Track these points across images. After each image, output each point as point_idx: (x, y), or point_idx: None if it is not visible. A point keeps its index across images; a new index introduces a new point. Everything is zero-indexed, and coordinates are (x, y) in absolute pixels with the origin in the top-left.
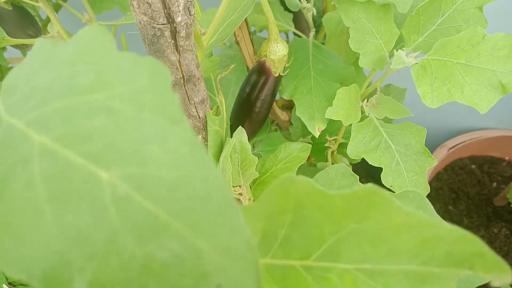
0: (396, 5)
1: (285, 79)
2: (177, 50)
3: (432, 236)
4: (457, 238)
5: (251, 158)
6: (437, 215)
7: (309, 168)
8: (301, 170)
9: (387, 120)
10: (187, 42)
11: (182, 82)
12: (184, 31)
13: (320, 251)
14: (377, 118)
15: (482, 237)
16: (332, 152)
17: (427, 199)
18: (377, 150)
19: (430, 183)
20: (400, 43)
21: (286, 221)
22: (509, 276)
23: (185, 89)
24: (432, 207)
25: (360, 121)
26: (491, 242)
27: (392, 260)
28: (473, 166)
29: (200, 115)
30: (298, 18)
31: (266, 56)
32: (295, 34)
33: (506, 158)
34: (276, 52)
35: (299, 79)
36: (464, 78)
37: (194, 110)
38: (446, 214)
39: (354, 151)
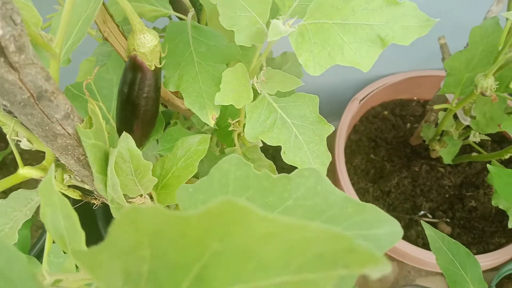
0: None
1: (168, 70)
2: (12, 68)
3: (300, 239)
4: (325, 238)
5: (144, 164)
6: (335, 188)
7: (220, 156)
8: (211, 160)
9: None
10: (22, 56)
11: (33, 101)
12: (13, 45)
13: (188, 280)
14: (270, 94)
15: (406, 177)
16: (239, 134)
17: (323, 174)
18: (274, 128)
19: (349, 137)
20: (278, 13)
21: (147, 255)
22: (387, 267)
23: (40, 108)
24: (329, 181)
25: (253, 101)
26: (415, 180)
27: (262, 275)
28: (386, 112)
29: (70, 132)
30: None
31: (136, 50)
32: (178, 17)
33: (415, 98)
34: (145, 44)
35: (182, 67)
36: (343, 38)
37: (59, 128)
38: (369, 163)
39: (252, 133)
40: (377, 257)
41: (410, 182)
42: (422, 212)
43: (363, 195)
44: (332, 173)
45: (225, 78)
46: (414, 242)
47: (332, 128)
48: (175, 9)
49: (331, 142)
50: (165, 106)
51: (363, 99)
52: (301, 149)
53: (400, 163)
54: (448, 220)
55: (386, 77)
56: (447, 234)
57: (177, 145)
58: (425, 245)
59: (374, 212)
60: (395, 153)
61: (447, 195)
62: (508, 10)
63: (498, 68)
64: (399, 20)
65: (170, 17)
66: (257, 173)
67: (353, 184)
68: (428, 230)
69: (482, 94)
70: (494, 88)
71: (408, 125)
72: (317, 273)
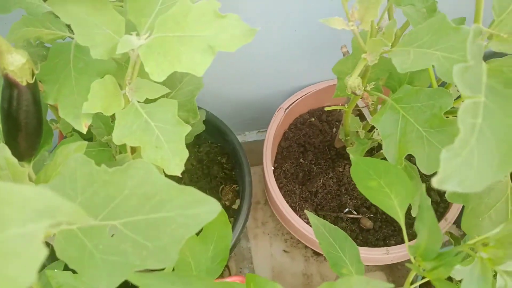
0: None
1: (47, 85)
2: None
3: (22, 199)
4: (38, 198)
5: (20, 171)
6: (161, 176)
7: (116, 162)
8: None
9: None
10: None
11: None
12: None
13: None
14: (139, 101)
15: (331, 178)
16: None
17: (152, 165)
18: (138, 131)
19: (279, 144)
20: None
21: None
22: (87, 219)
23: None
24: (156, 170)
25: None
26: (340, 180)
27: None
28: (313, 119)
29: None
30: None
31: (6, 69)
32: None
33: (340, 104)
34: (13, 63)
35: (60, 82)
36: (180, 49)
37: None
38: (298, 167)
39: (119, 136)
40: (78, 212)
41: (335, 182)
42: (347, 209)
43: (290, 196)
44: (263, 178)
45: (93, 89)
46: None
47: (189, 128)
48: (71, 32)
49: (262, 149)
50: None
51: (288, 107)
52: (162, 148)
53: (326, 165)
54: (371, 215)
55: (310, 86)
56: (370, 228)
57: (57, 153)
58: None
59: (194, 194)
60: (322, 156)
61: None
62: (390, 18)
63: (363, 71)
64: (225, 30)
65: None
66: (98, 169)
67: (281, 187)
68: (312, 218)
69: (353, 93)
70: (362, 87)
71: (334, 130)
72: (35, 224)
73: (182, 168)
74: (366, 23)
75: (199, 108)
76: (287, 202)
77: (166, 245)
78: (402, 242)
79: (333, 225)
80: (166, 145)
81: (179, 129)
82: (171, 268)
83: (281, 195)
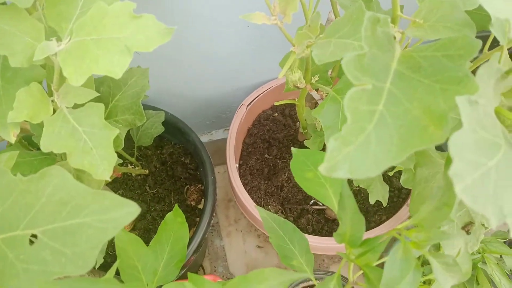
0: (16, 3)
1: None
2: None
3: None
4: None
5: None
6: (77, 182)
7: None
8: None
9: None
10: None
11: None
12: None
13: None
14: (67, 107)
15: None
16: None
17: (67, 172)
18: (65, 137)
19: (244, 140)
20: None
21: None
22: None
23: None
24: (71, 177)
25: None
26: None
27: None
28: (276, 114)
29: None
30: None
31: None
32: None
33: (295, 98)
34: None
35: None
36: (98, 52)
37: None
38: (263, 163)
39: (46, 144)
40: None
41: None
42: (312, 201)
43: (256, 192)
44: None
45: (18, 98)
46: (304, 229)
47: (116, 131)
48: None
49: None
50: None
51: (250, 104)
52: (90, 153)
53: (290, 159)
54: None
55: (271, 81)
56: (335, 218)
57: None
58: (315, 231)
59: (110, 198)
60: (286, 150)
61: None
62: (334, 11)
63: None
64: (141, 31)
65: None
66: (14, 178)
67: (246, 184)
68: (261, 213)
69: (296, 86)
70: (303, 80)
71: (298, 123)
72: None
73: (111, 172)
74: (288, 16)
75: (159, 109)
76: (253, 198)
77: (85, 251)
78: (366, 230)
79: (282, 218)
80: (94, 150)
81: (106, 133)
82: (113, 272)
83: (245, 192)
